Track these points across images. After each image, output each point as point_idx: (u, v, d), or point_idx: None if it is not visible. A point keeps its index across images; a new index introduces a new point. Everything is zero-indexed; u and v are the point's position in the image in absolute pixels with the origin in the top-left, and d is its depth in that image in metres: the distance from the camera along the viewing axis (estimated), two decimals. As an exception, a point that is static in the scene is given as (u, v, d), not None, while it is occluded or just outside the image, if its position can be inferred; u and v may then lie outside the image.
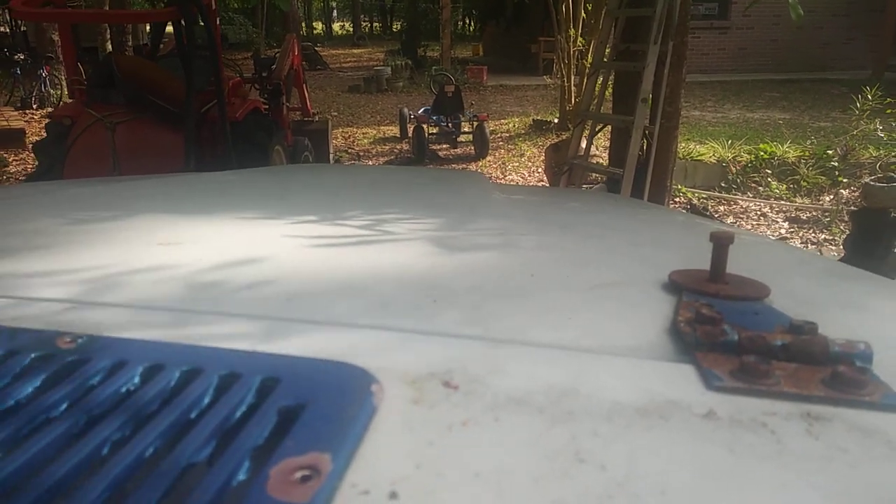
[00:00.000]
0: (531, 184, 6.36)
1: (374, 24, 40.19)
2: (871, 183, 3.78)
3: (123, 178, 1.51)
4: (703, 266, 0.67)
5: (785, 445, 0.41)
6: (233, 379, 0.44)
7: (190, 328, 0.54)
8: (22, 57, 11.50)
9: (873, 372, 0.49)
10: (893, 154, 5.01)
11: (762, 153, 5.87)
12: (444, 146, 7.90)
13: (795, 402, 0.45)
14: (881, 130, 5.09)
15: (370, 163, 7.52)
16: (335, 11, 41.32)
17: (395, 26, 38.81)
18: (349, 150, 8.01)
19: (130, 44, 10.25)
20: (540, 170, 6.66)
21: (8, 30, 12.98)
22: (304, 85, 6.32)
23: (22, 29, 12.40)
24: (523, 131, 8.89)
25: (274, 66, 5.32)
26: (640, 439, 0.40)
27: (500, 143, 8.20)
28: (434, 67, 13.11)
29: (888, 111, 5.38)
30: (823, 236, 4.45)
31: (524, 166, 7.10)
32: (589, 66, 5.63)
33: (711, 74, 12.47)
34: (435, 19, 22.25)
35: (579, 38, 7.39)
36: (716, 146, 6.23)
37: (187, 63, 3.59)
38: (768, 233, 4.63)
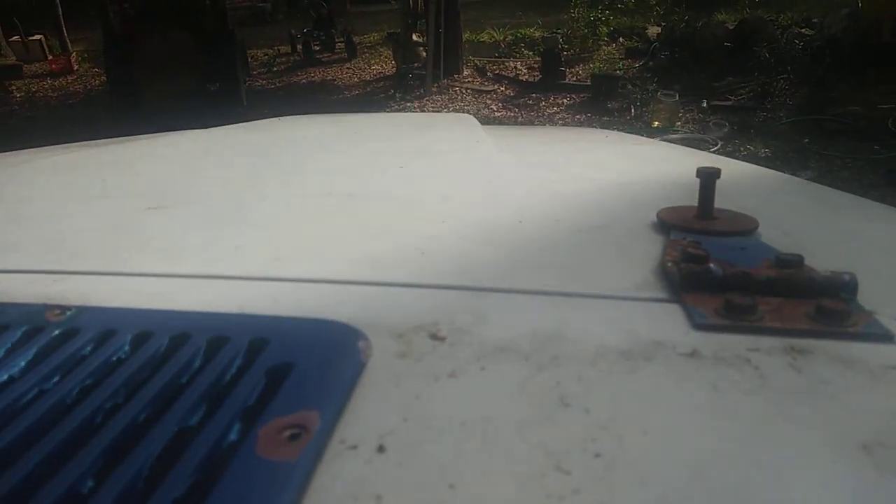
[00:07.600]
0: (385, 70, 9.91)
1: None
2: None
3: (114, 139, 1.56)
4: (693, 202, 0.66)
5: (767, 380, 0.41)
6: (221, 342, 0.44)
7: (178, 293, 0.53)
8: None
9: (857, 302, 0.49)
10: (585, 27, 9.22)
11: (519, 34, 9.89)
12: (326, 54, 11.25)
13: (779, 337, 0.45)
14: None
15: (276, 69, 10.80)
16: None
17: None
18: (259, 60, 11.25)
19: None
20: (391, 62, 10.21)
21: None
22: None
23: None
24: (381, 42, 12.32)
25: None
26: (623, 382, 0.41)
27: (365, 49, 11.62)
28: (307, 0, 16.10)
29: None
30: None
31: (383, 62, 10.62)
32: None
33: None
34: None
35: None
36: (493, 32, 10.14)
37: None
38: (512, 74, 8.53)
